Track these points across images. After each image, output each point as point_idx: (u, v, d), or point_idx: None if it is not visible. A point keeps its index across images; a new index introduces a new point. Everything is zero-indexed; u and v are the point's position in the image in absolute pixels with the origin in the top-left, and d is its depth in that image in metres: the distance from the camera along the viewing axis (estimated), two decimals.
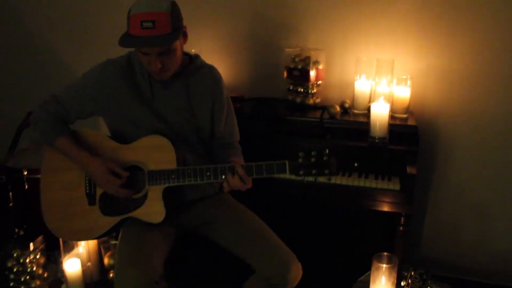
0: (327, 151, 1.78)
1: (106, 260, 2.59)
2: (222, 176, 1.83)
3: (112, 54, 1.98)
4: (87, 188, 1.97)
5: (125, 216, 1.93)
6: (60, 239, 2.49)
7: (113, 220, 1.94)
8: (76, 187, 1.98)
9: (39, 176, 2.59)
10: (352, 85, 2.56)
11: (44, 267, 2.58)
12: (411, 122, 2.40)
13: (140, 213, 1.91)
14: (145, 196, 1.91)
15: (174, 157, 1.88)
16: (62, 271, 2.50)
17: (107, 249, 2.59)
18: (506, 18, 2.37)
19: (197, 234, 2.08)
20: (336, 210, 2.55)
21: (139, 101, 1.93)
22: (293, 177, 2.25)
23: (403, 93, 2.44)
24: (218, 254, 2.04)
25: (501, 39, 2.40)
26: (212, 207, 2.07)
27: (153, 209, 1.89)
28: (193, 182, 1.86)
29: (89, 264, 2.58)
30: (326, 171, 1.80)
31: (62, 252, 2.51)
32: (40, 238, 2.56)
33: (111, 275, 2.52)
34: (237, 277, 2.11)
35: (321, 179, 1.85)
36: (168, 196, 1.91)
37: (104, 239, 2.61)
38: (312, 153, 1.79)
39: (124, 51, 1.95)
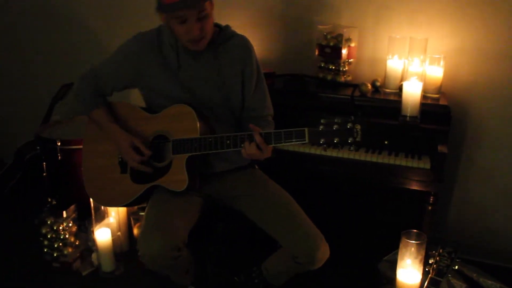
0: (352, 117, 1.66)
1: (135, 231, 2.65)
2: (241, 145, 1.80)
3: (142, 26, 2.01)
4: (120, 157, 2.04)
5: (152, 184, 1.97)
6: (92, 209, 2.57)
7: (142, 188, 1.99)
8: (110, 156, 2.05)
9: (72, 147, 2.74)
10: (383, 64, 2.54)
11: (76, 235, 2.66)
12: (442, 102, 2.37)
13: (164, 181, 1.94)
14: (169, 165, 1.94)
15: (197, 125, 1.88)
16: (93, 240, 2.58)
17: (136, 220, 2.65)
18: None
19: (225, 205, 2.11)
20: (364, 188, 2.56)
21: (167, 72, 1.96)
22: (318, 151, 2.27)
23: (436, 73, 2.41)
24: (245, 227, 2.08)
25: None
26: (242, 180, 2.08)
27: (176, 177, 1.92)
28: (214, 151, 1.85)
29: (119, 233, 2.65)
30: (350, 140, 1.64)
31: (93, 222, 2.58)
32: (72, 207, 2.64)
33: None
34: (262, 251, 2.16)
35: (344, 153, 1.70)
36: (194, 165, 1.93)
37: (134, 209, 2.68)
38: (336, 120, 1.67)
39: (155, 24, 1.97)
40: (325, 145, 1.70)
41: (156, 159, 1.98)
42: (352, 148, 1.69)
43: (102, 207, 2.58)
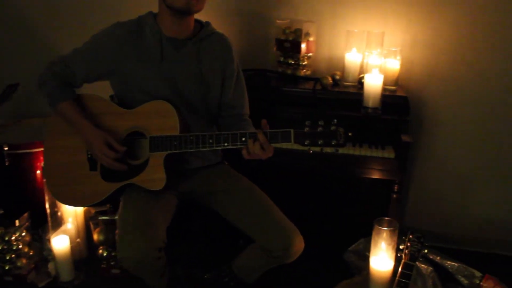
0: (335, 121, 1.70)
1: (95, 236, 2.54)
2: (224, 144, 1.79)
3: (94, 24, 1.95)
4: (89, 153, 1.93)
5: (126, 182, 1.89)
6: (48, 215, 2.44)
7: (114, 186, 1.91)
8: (78, 152, 1.95)
9: (21, 151, 2.58)
10: (341, 57, 2.59)
11: (30, 245, 2.51)
12: (400, 93, 2.45)
13: (140, 180, 1.87)
14: (146, 163, 1.87)
15: (177, 123, 1.84)
16: (49, 249, 2.44)
17: (96, 225, 2.54)
18: None
19: (198, 203, 2.06)
20: (329, 181, 2.60)
21: (148, 63, 1.89)
22: (294, 146, 2.28)
23: (393, 65, 2.48)
24: (218, 223, 2.04)
25: (484, 13, 2.47)
26: (215, 176, 2.06)
27: (154, 176, 1.86)
28: (195, 149, 1.82)
29: (78, 240, 2.53)
30: (333, 142, 1.69)
31: (49, 229, 2.44)
32: (25, 215, 2.49)
33: (100, 251, 2.47)
34: (235, 247, 2.13)
35: (327, 150, 1.76)
36: (170, 163, 1.88)
37: (92, 214, 2.57)
38: (319, 122, 1.71)
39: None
40: (309, 146, 1.72)
41: (130, 156, 1.89)
42: (335, 150, 1.72)
43: (59, 213, 2.45)
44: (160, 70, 1.90)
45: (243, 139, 1.77)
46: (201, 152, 1.95)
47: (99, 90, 2.03)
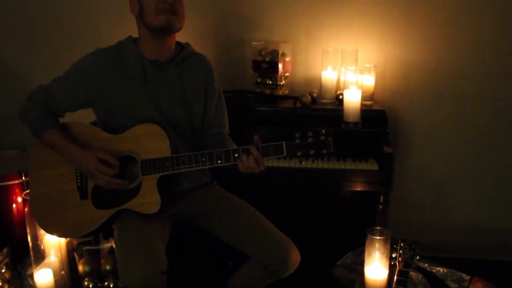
0: (323, 131, 1.77)
1: (80, 268, 2.45)
2: (218, 161, 1.80)
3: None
4: (79, 181, 1.89)
5: (119, 208, 1.86)
6: (31, 249, 2.35)
7: (107, 213, 1.87)
8: (66, 181, 1.90)
9: None
10: (317, 76, 2.67)
11: (9, 282, 2.40)
12: (376, 107, 2.54)
13: (134, 204, 1.85)
14: (139, 186, 1.85)
15: (168, 144, 1.84)
16: (30, 285, 2.34)
17: (80, 256, 2.46)
18: (455, 12, 2.62)
19: (191, 224, 2.05)
20: (315, 196, 2.64)
21: (131, 87, 1.89)
22: (280, 163, 2.32)
23: (368, 81, 2.58)
24: (212, 244, 2.03)
25: (451, 29, 2.63)
26: (206, 197, 2.05)
27: (148, 199, 1.84)
28: (188, 169, 1.82)
29: (62, 273, 2.44)
30: (324, 151, 1.75)
31: (32, 263, 2.35)
32: (5, 250, 2.39)
33: (85, 283, 2.39)
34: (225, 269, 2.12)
35: (319, 164, 1.82)
36: (163, 185, 1.87)
37: (74, 245, 2.49)
38: (309, 133, 1.77)
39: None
40: (301, 157, 1.77)
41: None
42: (325, 158, 1.78)
43: (42, 246, 2.36)
44: (143, 93, 1.91)
45: (236, 155, 1.79)
46: (190, 173, 1.95)
47: (81, 117, 2.00)
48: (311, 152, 1.76)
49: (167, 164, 1.82)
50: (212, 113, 2.07)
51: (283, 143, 1.77)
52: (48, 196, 1.92)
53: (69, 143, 1.84)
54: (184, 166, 1.82)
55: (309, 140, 1.76)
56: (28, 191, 2.34)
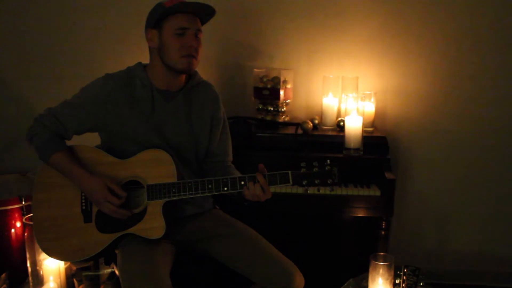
0: (328, 161, 1.80)
1: None
2: (224, 188, 1.82)
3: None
4: (83, 204, 1.88)
5: (123, 232, 1.85)
6: (30, 274, 2.32)
7: (111, 237, 1.85)
8: (71, 204, 1.88)
9: None
10: (318, 102, 2.71)
11: None
12: (377, 134, 2.56)
13: (139, 229, 1.84)
14: (144, 211, 1.85)
15: (175, 170, 1.85)
16: None
17: (80, 282, 2.43)
18: (455, 40, 2.70)
19: (194, 249, 2.03)
20: (316, 221, 2.64)
21: (139, 115, 1.89)
22: (283, 189, 2.33)
23: (368, 108, 2.61)
24: (217, 269, 2.02)
25: (447, 60, 2.71)
26: (209, 222, 2.04)
27: (152, 224, 1.83)
28: (194, 195, 1.83)
29: None
30: (329, 181, 1.78)
31: None
32: (3, 276, 2.36)
33: None
34: None
35: (323, 190, 1.84)
36: (168, 210, 1.86)
37: (74, 271, 2.47)
38: (314, 163, 1.79)
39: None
40: (306, 186, 1.79)
41: (127, 206, 1.85)
42: (331, 188, 1.81)
43: (41, 272, 2.33)
44: (150, 122, 1.91)
45: (242, 182, 1.81)
46: (194, 199, 1.95)
47: (85, 140, 2.00)
48: (317, 181, 1.79)
49: (173, 190, 1.82)
50: (217, 141, 2.08)
51: (289, 172, 1.80)
52: (51, 218, 1.89)
53: (77, 167, 1.84)
54: (190, 192, 1.83)
55: (315, 169, 1.80)
56: (29, 215, 2.34)
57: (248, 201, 1.86)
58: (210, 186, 1.82)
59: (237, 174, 2.04)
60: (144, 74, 1.93)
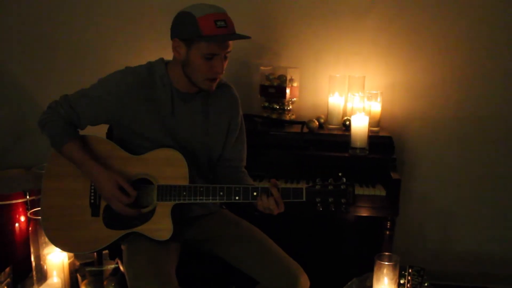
0: (344, 179, 1.76)
1: None
2: (236, 197, 1.79)
3: None
4: (92, 197, 1.86)
5: (130, 231, 1.83)
6: (33, 269, 2.32)
7: (116, 234, 1.84)
8: (80, 195, 1.87)
9: (1, 203, 2.47)
10: (324, 101, 2.70)
11: None
12: (383, 134, 2.56)
13: (146, 229, 1.82)
14: (152, 211, 1.82)
15: (187, 172, 1.81)
16: None
17: (83, 277, 2.43)
18: (462, 39, 2.69)
19: (201, 249, 2.03)
20: (320, 220, 2.64)
21: (156, 114, 1.86)
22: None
23: (374, 107, 2.61)
24: (221, 268, 2.02)
25: (455, 58, 2.70)
26: (215, 223, 2.04)
27: (160, 226, 1.81)
28: (204, 201, 1.80)
29: None
30: (343, 200, 1.74)
31: (35, 283, 2.32)
32: (7, 270, 2.35)
33: None
34: None
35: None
36: (176, 212, 1.85)
37: (78, 267, 2.46)
38: (329, 180, 1.76)
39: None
40: (319, 204, 1.75)
41: (135, 204, 1.83)
42: (344, 209, 1.76)
43: (45, 267, 2.33)
44: (166, 122, 1.88)
45: (255, 193, 1.78)
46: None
47: (96, 129, 1.98)
48: (330, 199, 1.75)
49: (184, 193, 1.80)
50: (231, 146, 2.04)
51: (304, 188, 1.76)
52: (59, 208, 1.88)
53: (89, 159, 1.81)
54: (201, 198, 1.80)
55: (330, 187, 1.75)
56: (33, 210, 2.34)
57: (259, 211, 1.83)
58: (221, 193, 1.79)
59: (250, 181, 2.03)
60: (165, 72, 1.87)
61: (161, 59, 1.92)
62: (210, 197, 1.79)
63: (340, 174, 1.77)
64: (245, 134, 2.11)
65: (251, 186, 1.79)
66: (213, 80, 1.82)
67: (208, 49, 1.74)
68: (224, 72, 1.82)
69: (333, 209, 1.77)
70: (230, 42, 1.79)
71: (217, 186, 1.79)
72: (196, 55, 1.76)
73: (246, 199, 1.78)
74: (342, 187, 1.74)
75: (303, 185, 1.76)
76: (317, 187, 1.75)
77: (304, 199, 1.75)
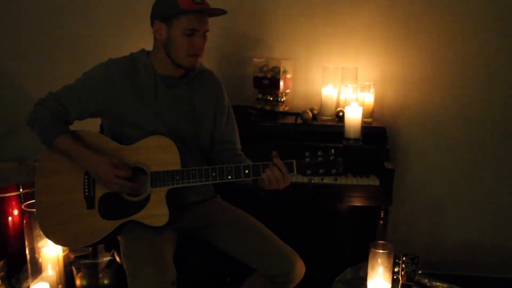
0: (333, 151, 1.80)
1: (78, 282, 2.42)
2: (228, 177, 1.82)
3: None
4: (86, 190, 1.87)
5: (126, 219, 1.85)
6: (28, 262, 2.31)
7: (113, 224, 1.85)
8: (74, 190, 1.87)
9: None
10: (317, 93, 2.71)
11: None
12: (376, 124, 2.58)
13: (142, 216, 1.84)
14: (147, 199, 1.84)
15: (179, 157, 1.85)
16: None
17: (78, 270, 2.43)
18: (456, 30, 2.70)
19: (196, 237, 2.04)
20: (314, 210, 2.67)
21: (142, 102, 1.89)
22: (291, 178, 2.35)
23: (367, 98, 2.62)
24: (217, 256, 2.02)
25: (446, 49, 2.72)
26: (209, 210, 2.05)
27: (156, 212, 1.83)
28: (198, 183, 1.83)
29: (60, 287, 2.40)
30: (333, 171, 1.79)
31: (29, 276, 2.31)
32: (1, 264, 2.34)
33: None
34: (238, 278, 2.11)
35: (327, 179, 1.87)
36: (171, 198, 1.86)
37: (73, 259, 2.46)
38: (319, 153, 1.80)
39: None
40: (311, 176, 1.80)
41: (130, 193, 1.85)
42: (335, 177, 1.87)
43: (40, 260, 2.32)
44: (153, 108, 1.91)
45: (247, 171, 1.81)
46: (195, 187, 1.95)
47: (87, 124, 1.99)
48: (321, 171, 1.80)
49: (177, 177, 1.82)
50: (223, 129, 2.08)
51: (294, 161, 1.81)
52: (54, 204, 1.88)
53: (81, 147, 1.83)
54: (194, 180, 1.83)
55: (319, 159, 1.80)
56: (27, 202, 2.33)
57: (265, 191, 1.86)
58: (214, 174, 1.82)
59: (248, 162, 2.03)
60: (147, 61, 1.93)
61: (143, 49, 2.00)
62: (203, 179, 1.83)
63: (333, 150, 1.81)
64: (234, 116, 2.16)
65: (242, 164, 1.82)
66: (195, 56, 1.87)
67: (189, 24, 1.82)
68: (204, 51, 1.90)
69: (323, 180, 1.88)
70: (208, 20, 1.88)
71: (209, 167, 1.83)
72: (177, 33, 1.83)
73: (238, 177, 1.82)
74: (331, 158, 1.79)
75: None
76: (307, 160, 1.80)
77: (295, 172, 1.80)
